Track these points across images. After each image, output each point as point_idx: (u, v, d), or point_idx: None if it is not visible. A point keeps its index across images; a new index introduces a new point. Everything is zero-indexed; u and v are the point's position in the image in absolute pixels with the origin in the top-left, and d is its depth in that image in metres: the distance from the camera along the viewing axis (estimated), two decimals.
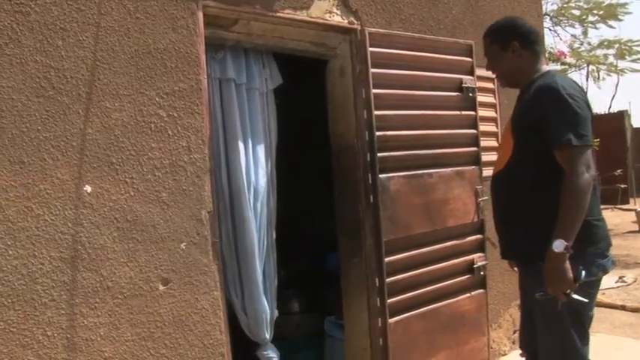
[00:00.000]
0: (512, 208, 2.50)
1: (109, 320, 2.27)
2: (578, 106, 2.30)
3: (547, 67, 2.59)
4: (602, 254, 2.39)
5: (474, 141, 3.78)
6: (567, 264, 2.21)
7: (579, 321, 2.40)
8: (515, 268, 2.78)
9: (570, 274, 2.22)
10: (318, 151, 3.85)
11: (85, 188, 2.23)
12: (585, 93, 2.45)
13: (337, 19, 3.18)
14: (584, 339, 2.43)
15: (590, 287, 2.37)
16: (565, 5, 13.43)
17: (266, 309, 3.02)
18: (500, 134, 4.37)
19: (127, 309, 2.33)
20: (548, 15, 13.27)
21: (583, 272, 2.27)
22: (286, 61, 3.29)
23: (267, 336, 3.06)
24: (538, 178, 2.40)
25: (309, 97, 4.00)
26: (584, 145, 2.25)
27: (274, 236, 3.12)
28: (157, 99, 2.45)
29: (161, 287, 2.43)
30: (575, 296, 2.28)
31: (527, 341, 2.66)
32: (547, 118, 2.30)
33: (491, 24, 2.71)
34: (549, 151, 2.31)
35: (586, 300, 2.30)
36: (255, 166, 2.96)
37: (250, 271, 2.94)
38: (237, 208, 2.89)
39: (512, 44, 2.52)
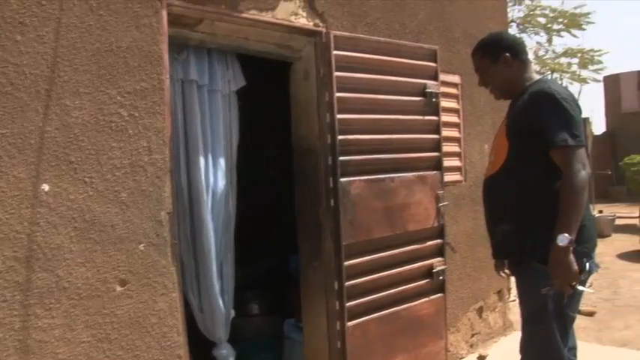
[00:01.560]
0: (508, 208, 2.57)
1: (64, 321, 2.24)
2: (572, 109, 2.43)
3: (536, 75, 2.73)
4: (588, 254, 2.46)
5: (437, 146, 3.82)
6: (572, 257, 2.29)
7: (562, 321, 2.50)
8: (502, 274, 2.88)
9: (576, 267, 2.31)
10: (284, 153, 3.86)
11: (42, 187, 2.19)
12: (575, 98, 2.56)
13: (303, 21, 3.19)
14: (565, 339, 2.52)
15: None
16: (531, 13, 13.70)
17: (221, 309, 3.03)
18: (462, 140, 4.44)
19: (83, 310, 2.29)
20: (515, 22, 13.52)
21: (587, 264, 2.39)
22: (251, 62, 3.29)
23: (223, 335, 3.08)
24: (534, 179, 2.49)
25: (276, 98, 3.99)
26: (578, 145, 2.37)
27: (232, 237, 3.13)
28: (118, 98, 2.42)
29: (118, 288, 2.40)
30: (580, 287, 2.38)
31: None
32: (544, 121, 2.41)
33: (478, 41, 2.80)
34: (544, 152, 2.42)
35: (592, 290, 2.42)
36: (215, 168, 2.96)
37: (207, 271, 2.95)
38: (195, 209, 2.89)
39: (504, 56, 2.63)
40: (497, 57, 2.64)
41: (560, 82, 13.43)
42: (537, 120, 2.43)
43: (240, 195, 3.21)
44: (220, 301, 3.01)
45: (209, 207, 2.92)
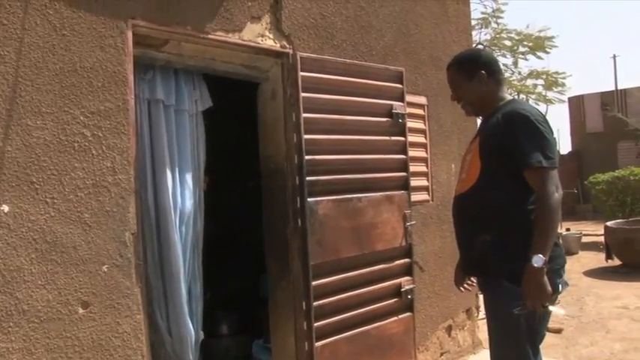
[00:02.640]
0: (480, 225, 2.55)
1: (23, 345, 2.19)
2: (546, 131, 2.44)
3: (509, 95, 2.73)
4: (557, 272, 2.46)
5: (404, 166, 3.86)
6: (546, 278, 2.31)
7: (533, 338, 2.50)
8: (462, 288, 2.89)
9: (549, 287, 2.31)
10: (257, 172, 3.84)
11: (1, 208, 2.16)
12: (547, 120, 2.56)
13: (269, 42, 3.20)
14: (537, 357, 2.52)
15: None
16: (497, 36, 13.97)
17: (190, 331, 2.99)
18: (429, 159, 4.48)
19: (43, 333, 2.25)
20: (482, 44, 13.77)
21: (560, 285, 2.41)
22: (221, 82, 3.29)
23: (192, 358, 3.02)
24: (506, 198, 2.48)
25: (244, 118, 3.99)
26: (552, 167, 2.38)
27: (201, 258, 3.10)
28: (81, 118, 2.40)
29: (80, 311, 2.36)
30: (552, 308, 2.41)
31: None
32: (518, 141, 2.41)
33: (456, 55, 2.79)
34: (517, 172, 2.43)
35: (563, 311, 2.42)
36: (182, 188, 2.94)
37: (175, 292, 2.91)
38: (163, 229, 2.86)
39: (479, 73, 2.61)
40: (473, 74, 2.62)
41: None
42: (511, 140, 2.43)
43: (215, 214, 3.19)
44: (190, 324, 2.97)
45: (176, 227, 2.90)
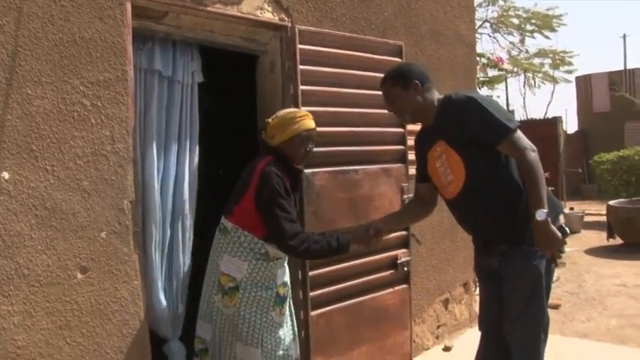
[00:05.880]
0: (491, 209, 2.71)
1: (23, 308, 2.26)
2: (489, 101, 2.68)
3: (440, 95, 2.86)
4: (553, 221, 2.58)
5: (401, 139, 3.89)
6: (552, 227, 2.50)
7: (548, 293, 2.76)
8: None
9: (559, 233, 2.51)
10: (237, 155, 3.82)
11: (2, 175, 2.21)
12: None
13: (268, 15, 3.23)
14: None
15: (541, 258, 2.64)
16: (505, 13, 13.86)
17: (162, 305, 2.93)
18: None
19: (43, 297, 2.32)
20: (489, 22, 13.66)
21: (567, 228, 2.62)
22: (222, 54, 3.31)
23: (169, 333, 3.02)
24: (502, 175, 2.67)
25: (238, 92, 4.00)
26: (516, 127, 2.59)
27: (188, 232, 3.07)
28: (80, 88, 2.45)
29: (79, 275, 2.43)
30: (567, 249, 2.54)
31: (489, 319, 2.89)
32: (478, 121, 2.60)
33: (386, 72, 2.88)
34: (496, 150, 2.61)
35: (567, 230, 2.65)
36: (166, 158, 2.94)
37: (148, 264, 2.86)
38: (145, 198, 2.84)
39: (414, 83, 2.76)
40: (408, 85, 2.76)
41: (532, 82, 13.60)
42: (474, 126, 2.59)
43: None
44: (162, 298, 2.94)
45: (156, 197, 2.87)
